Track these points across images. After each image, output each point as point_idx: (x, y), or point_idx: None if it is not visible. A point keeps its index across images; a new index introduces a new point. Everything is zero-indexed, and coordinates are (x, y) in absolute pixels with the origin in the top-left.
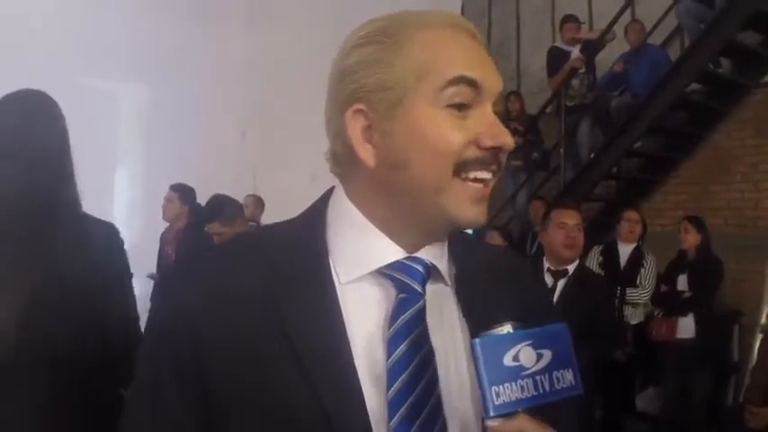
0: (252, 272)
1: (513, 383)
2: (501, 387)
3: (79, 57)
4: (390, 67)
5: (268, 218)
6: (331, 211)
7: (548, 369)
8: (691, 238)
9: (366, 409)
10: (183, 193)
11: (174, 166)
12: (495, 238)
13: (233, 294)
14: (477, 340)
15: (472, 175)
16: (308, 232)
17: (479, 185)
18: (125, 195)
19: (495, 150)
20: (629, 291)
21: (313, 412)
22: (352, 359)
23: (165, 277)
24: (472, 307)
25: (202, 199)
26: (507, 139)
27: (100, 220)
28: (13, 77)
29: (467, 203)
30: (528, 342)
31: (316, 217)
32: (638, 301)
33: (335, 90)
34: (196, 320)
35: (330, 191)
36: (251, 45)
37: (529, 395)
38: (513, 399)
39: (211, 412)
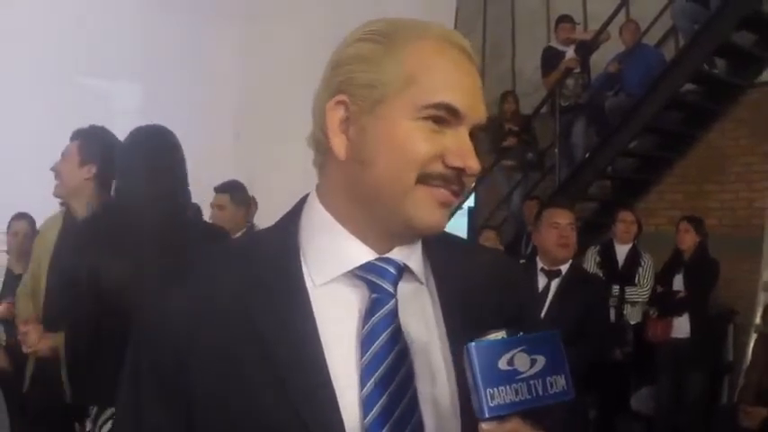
0: (232, 280)
1: (508, 387)
2: (496, 390)
3: (73, 55)
4: (379, 67)
5: (261, 218)
6: (304, 215)
7: (541, 374)
8: (689, 239)
9: (340, 413)
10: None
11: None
12: (491, 238)
13: (214, 303)
14: (472, 344)
15: (434, 186)
16: (283, 238)
17: (441, 189)
18: None
19: (459, 171)
20: (628, 289)
21: (288, 418)
22: (325, 362)
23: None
24: (454, 307)
25: (196, 198)
26: (473, 164)
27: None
28: (9, 75)
29: (428, 206)
30: (522, 347)
31: (291, 222)
32: (637, 300)
33: (327, 77)
34: (179, 327)
35: (306, 196)
36: (245, 44)
37: (523, 398)
38: (508, 401)
39: (191, 416)
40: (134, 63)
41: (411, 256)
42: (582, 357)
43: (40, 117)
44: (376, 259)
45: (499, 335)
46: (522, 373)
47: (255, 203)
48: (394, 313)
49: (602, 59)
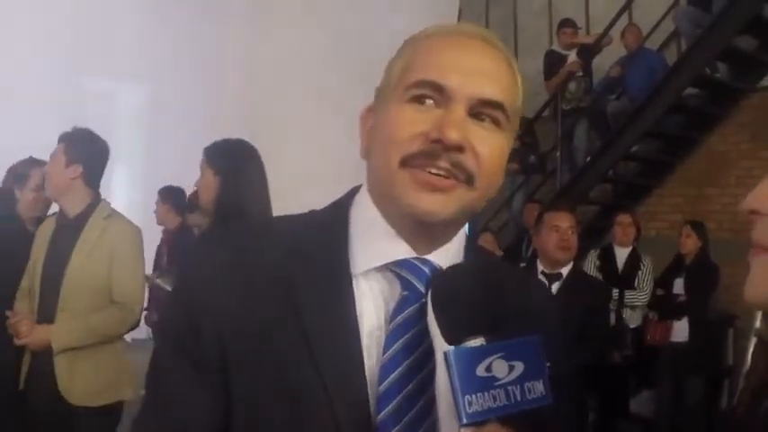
0: (272, 251)
1: (486, 393)
2: (473, 396)
3: (78, 57)
4: (391, 68)
5: None
6: (354, 206)
7: (519, 380)
8: (691, 243)
9: (368, 401)
10: (163, 196)
11: (172, 166)
12: (488, 241)
13: (251, 270)
14: (450, 351)
15: (418, 167)
16: (332, 221)
17: (424, 171)
18: (123, 195)
19: (440, 144)
20: (627, 293)
21: (317, 396)
22: (361, 350)
23: (188, 249)
24: (445, 313)
25: None
26: (449, 134)
27: None
28: (13, 77)
29: (413, 190)
30: (500, 354)
31: (341, 208)
32: (636, 304)
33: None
34: (212, 291)
35: (357, 188)
36: (247, 46)
37: (501, 404)
38: (485, 407)
39: (225, 383)
40: (136, 64)
41: (449, 258)
42: (582, 360)
43: (42, 117)
44: (414, 258)
45: (478, 341)
46: (500, 379)
47: None
48: (422, 314)
49: (604, 63)
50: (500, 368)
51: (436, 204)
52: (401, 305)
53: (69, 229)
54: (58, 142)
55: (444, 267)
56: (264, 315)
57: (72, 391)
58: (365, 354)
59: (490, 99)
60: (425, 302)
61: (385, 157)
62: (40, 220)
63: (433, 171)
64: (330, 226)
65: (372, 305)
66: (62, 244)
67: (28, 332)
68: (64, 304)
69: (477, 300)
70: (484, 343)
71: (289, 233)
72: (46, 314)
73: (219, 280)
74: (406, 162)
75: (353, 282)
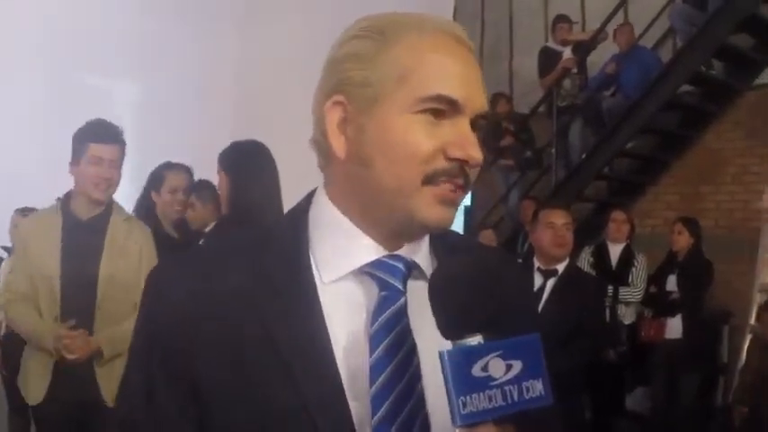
0: (237, 273)
1: (481, 393)
2: (468, 397)
3: (72, 54)
4: (374, 64)
5: None
6: (313, 209)
7: (517, 380)
8: (683, 240)
9: (350, 411)
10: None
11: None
12: (489, 237)
13: (219, 295)
14: (445, 351)
15: (440, 184)
16: (291, 232)
17: (446, 185)
18: (117, 192)
19: (462, 163)
20: (621, 289)
21: (297, 414)
22: (334, 360)
23: (153, 275)
24: (443, 307)
25: None
26: (475, 154)
27: None
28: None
29: (434, 205)
30: (497, 353)
31: (298, 216)
32: (630, 300)
33: (324, 78)
34: (184, 319)
35: (314, 191)
36: (244, 43)
37: (496, 405)
38: (480, 408)
39: (200, 409)
40: (134, 62)
41: (419, 252)
42: (577, 357)
43: (42, 115)
44: (385, 256)
45: (475, 340)
46: (497, 379)
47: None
48: (403, 311)
49: (599, 60)
50: (497, 367)
51: (450, 216)
52: (381, 305)
53: (86, 231)
54: (111, 143)
55: (414, 260)
56: (236, 344)
57: (112, 395)
58: (352, 360)
59: (485, 112)
60: (406, 299)
61: (400, 169)
62: (177, 223)
63: (450, 187)
64: (289, 238)
65: (349, 311)
66: (82, 245)
67: (84, 346)
68: (102, 305)
69: (474, 295)
70: (481, 341)
71: (250, 250)
72: (71, 316)
73: (188, 313)
74: (429, 180)
75: (321, 291)
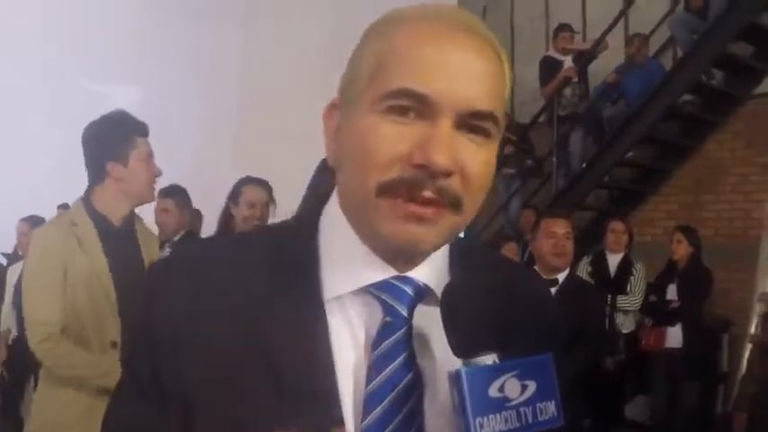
0: (236, 282)
1: (498, 414)
2: (485, 418)
3: (73, 59)
4: (360, 60)
5: None
6: (324, 216)
7: (532, 401)
8: (682, 249)
9: None
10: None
11: (166, 168)
12: (512, 250)
13: (214, 306)
14: (462, 369)
15: (398, 197)
16: (298, 241)
17: (404, 200)
18: None
19: (425, 170)
20: (619, 298)
21: None
22: (336, 385)
23: (147, 282)
24: (456, 326)
25: (195, 199)
26: (437, 158)
27: None
28: (10, 79)
29: (392, 220)
30: (513, 373)
31: (308, 223)
32: (628, 308)
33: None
34: (177, 334)
35: (330, 194)
36: (246, 47)
37: (512, 427)
38: (497, 430)
39: (189, 424)
40: (136, 65)
41: (434, 273)
42: (578, 365)
43: (43, 119)
44: (393, 277)
45: (490, 359)
46: (513, 399)
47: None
48: (407, 340)
49: (600, 69)
50: (513, 388)
51: (419, 236)
52: (382, 333)
53: (117, 238)
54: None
55: (429, 284)
56: (232, 358)
57: None
58: (349, 386)
59: (480, 110)
60: (410, 327)
61: (358, 180)
62: None
63: (408, 203)
64: (296, 246)
65: (350, 332)
66: (120, 254)
67: None
68: None
69: (489, 312)
70: (496, 360)
71: (252, 260)
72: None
73: (183, 321)
74: (384, 191)
75: (327, 308)
